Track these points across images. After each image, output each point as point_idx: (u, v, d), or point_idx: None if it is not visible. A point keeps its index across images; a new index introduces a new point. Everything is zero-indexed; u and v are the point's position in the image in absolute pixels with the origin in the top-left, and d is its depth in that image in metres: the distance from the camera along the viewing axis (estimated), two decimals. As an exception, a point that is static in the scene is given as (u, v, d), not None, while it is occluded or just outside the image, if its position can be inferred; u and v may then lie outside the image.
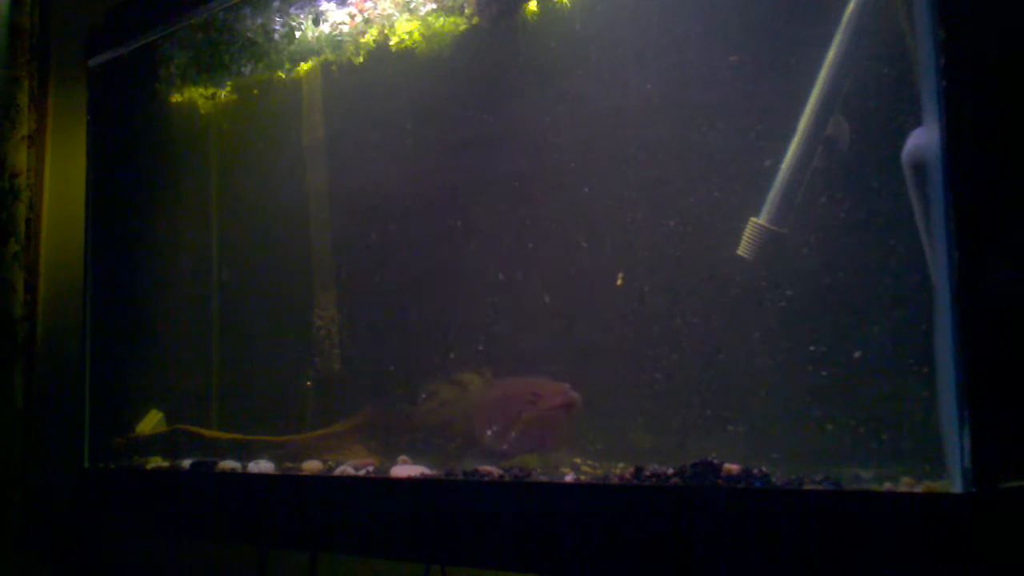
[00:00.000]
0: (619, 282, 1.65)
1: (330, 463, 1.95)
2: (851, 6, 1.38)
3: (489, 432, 1.64)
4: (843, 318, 1.42)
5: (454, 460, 1.65)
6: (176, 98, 2.55)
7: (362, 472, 1.79)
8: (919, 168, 1.22)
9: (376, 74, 2.13)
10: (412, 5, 2.03)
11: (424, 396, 1.87)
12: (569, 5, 1.80)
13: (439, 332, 1.98)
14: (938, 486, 1.13)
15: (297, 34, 2.25)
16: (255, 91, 2.41)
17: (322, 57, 2.23)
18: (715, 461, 1.30)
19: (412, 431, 1.87)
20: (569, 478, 1.51)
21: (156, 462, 2.26)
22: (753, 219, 1.48)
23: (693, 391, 1.57)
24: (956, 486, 1.09)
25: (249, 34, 2.30)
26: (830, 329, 1.44)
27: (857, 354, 1.38)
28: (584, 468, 1.61)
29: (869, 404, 1.39)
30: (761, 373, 1.51)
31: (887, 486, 1.19)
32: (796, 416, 1.46)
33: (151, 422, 2.41)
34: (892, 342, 1.36)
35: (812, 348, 1.45)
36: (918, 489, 1.14)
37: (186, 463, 2.14)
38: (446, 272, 2.00)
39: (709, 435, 1.53)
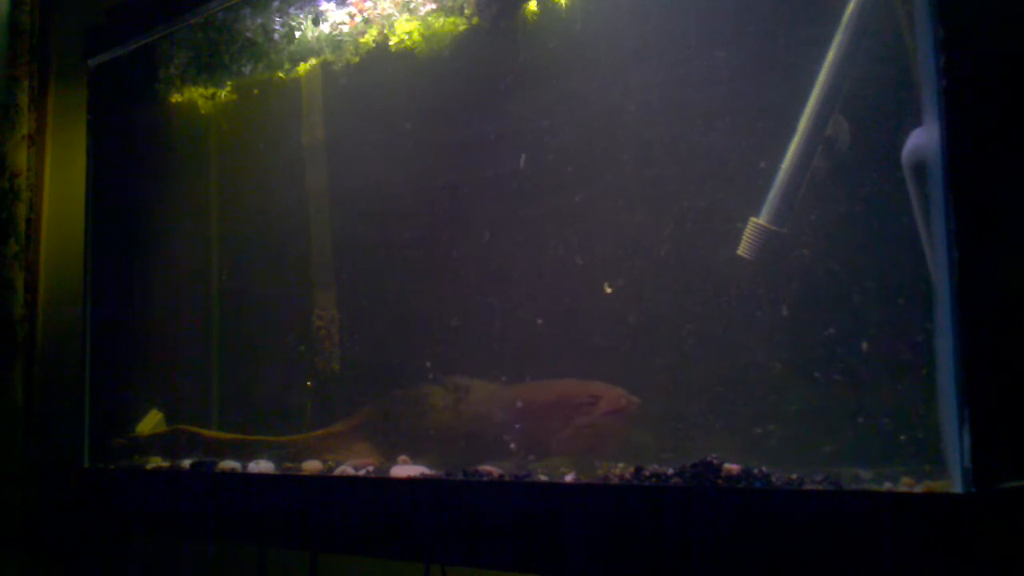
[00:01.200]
0: (608, 289, 1.65)
1: (330, 463, 1.95)
2: (851, 6, 1.38)
3: (541, 433, 1.62)
4: (842, 318, 1.42)
5: (509, 462, 1.63)
6: (176, 98, 2.55)
7: (362, 472, 1.79)
8: (919, 168, 1.22)
9: (376, 74, 2.13)
10: (412, 5, 2.03)
11: (447, 396, 1.85)
12: (564, 5, 1.80)
13: (439, 332, 1.98)
14: (938, 486, 1.13)
15: (297, 34, 2.25)
16: (255, 91, 2.41)
17: (322, 57, 2.23)
18: (715, 461, 1.30)
19: (438, 431, 1.84)
20: (569, 478, 1.51)
21: (156, 462, 2.26)
22: (753, 219, 1.48)
23: (694, 392, 1.57)
24: (956, 486, 1.09)
25: (249, 34, 2.30)
26: (829, 329, 1.44)
27: (865, 345, 1.38)
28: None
29: (869, 404, 1.39)
30: (760, 373, 1.51)
31: (887, 486, 1.19)
32: (796, 416, 1.46)
33: (151, 422, 2.41)
34: (892, 342, 1.36)
35: (811, 348, 1.45)
36: (918, 489, 1.14)
37: (186, 463, 2.14)
38: (445, 272, 2.00)
39: (711, 436, 1.53)
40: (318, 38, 2.22)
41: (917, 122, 1.24)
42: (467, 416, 1.78)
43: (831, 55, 1.40)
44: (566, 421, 1.58)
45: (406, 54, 2.02)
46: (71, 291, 2.80)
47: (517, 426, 1.66)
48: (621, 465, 1.56)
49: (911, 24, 1.25)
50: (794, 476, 1.26)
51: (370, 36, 2.12)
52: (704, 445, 1.48)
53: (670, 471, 1.34)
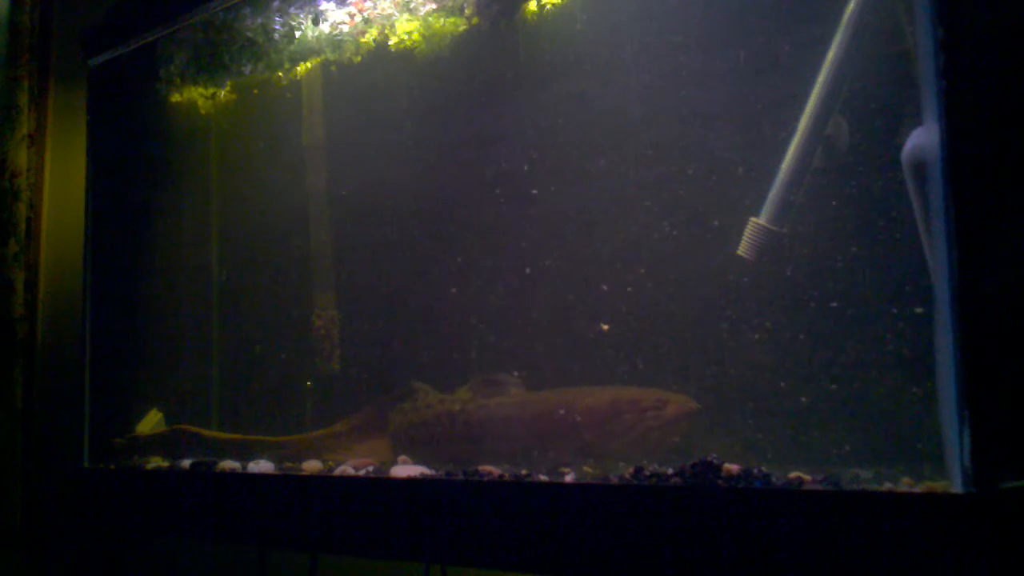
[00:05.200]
0: (605, 328, 1.66)
1: (330, 463, 1.95)
2: (851, 6, 1.38)
3: (604, 437, 1.62)
4: (843, 318, 1.42)
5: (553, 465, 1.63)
6: (176, 98, 2.55)
7: (362, 472, 1.79)
8: (919, 168, 1.22)
9: (376, 74, 2.13)
10: (412, 5, 2.03)
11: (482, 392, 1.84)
12: (555, 4, 1.80)
13: (439, 332, 1.98)
14: (938, 486, 1.13)
15: (297, 34, 2.25)
16: (255, 91, 2.41)
17: (322, 57, 2.23)
18: (715, 461, 1.30)
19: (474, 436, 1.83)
20: (569, 478, 1.51)
21: (156, 462, 2.26)
22: (753, 219, 1.48)
23: (697, 391, 1.58)
24: (956, 486, 1.09)
25: (249, 34, 2.30)
26: (830, 329, 1.44)
27: (865, 345, 1.37)
28: (584, 468, 1.61)
29: (869, 404, 1.39)
30: (761, 373, 1.51)
31: (887, 486, 1.19)
32: (797, 416, 1.46)
33: (151, 422, 2.41)
34: (892, 342, 1.36)
35: (810, 348, 1.45)
36: (918, 489, 1.14)
37: (186, 463, 2.14)
38: (444, 272, 2.00)
39: (713, 436, 1.53)
40: (318, 38, 2.22)
41: (917, 122, 1.24)
42: (527, 421, 1.77)
43: (831, 55, 1.40)
44: (632, 425, 1.59)
45: (406, 54, 2.02)
46: (71, 291, 2.80)
47: (580, 431, 1.66)
48: (621, 464, 1.56)
49: (911, 24, 1.25)
50: (794, 476, 1.26)
51: (370, 36, 2.12)
52: (707, 445, 1.48)
53: (670, 471, 1.34)
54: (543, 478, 1.53)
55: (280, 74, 2.33)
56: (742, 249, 1.50)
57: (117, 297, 2.53)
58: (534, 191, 1.79)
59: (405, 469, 1.72)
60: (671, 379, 1.61)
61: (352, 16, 2.15)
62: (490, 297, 1.90)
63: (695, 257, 1.62)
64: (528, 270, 1.84)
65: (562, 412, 1.68)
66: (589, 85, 1.76)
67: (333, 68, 2.21)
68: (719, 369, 1.57)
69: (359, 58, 2.15)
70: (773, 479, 1.26)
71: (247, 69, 2.35)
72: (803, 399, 1.45)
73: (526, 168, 1.85)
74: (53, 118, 3.07)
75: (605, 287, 1.72)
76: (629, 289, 1.69)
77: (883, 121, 1.38)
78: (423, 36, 2.00)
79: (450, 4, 1.97)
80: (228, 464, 2.03)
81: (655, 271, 1.66)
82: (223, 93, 2.48)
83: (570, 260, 1.79)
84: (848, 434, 1.40)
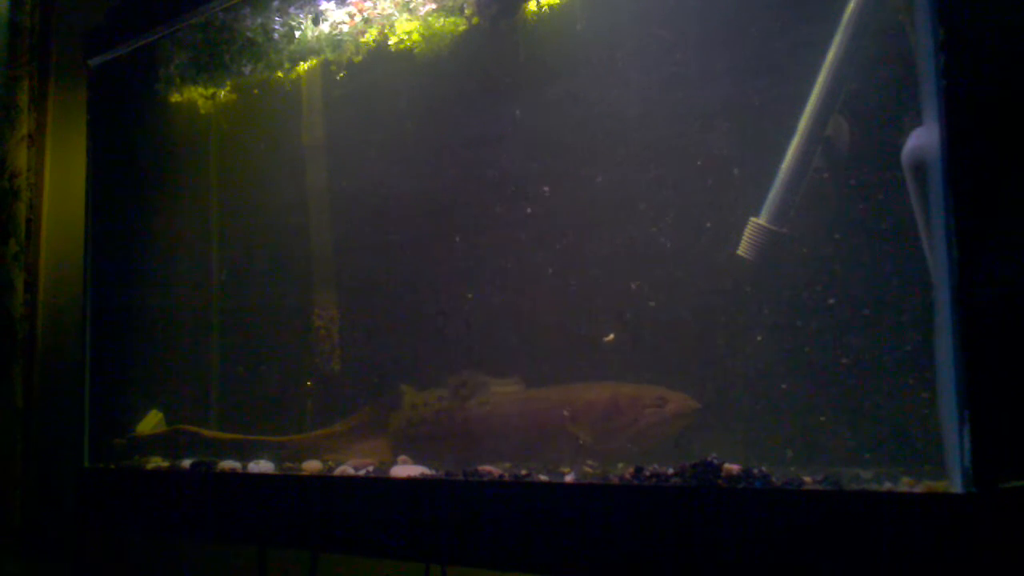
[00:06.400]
0: (609, 338, 1.66)
1: (330, 463, 1.95)
2: (851, 6, 1.38)
3: (606, 433, 1.63)
4: (843, 318, 1.42)
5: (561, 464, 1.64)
6: (176, 98, 2.55)
7: (362, 472, 1.79)
8: (919, 168, 1.22)
9: (376, 74, 2.13)
10: (412, 5, 2.03)
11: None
12: (555, 4, 1.80)
13: (439, 332, 1.98)
14: (938, 486, 1.13)
15: (297, 34, 2.25)
16: (255, 91, 2.41)
17: (322, 57, 2.23)
18: (715, 461, 1.30)
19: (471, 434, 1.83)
20: (569, 478, 1.51)
21: (156, 462, 2.26)
22: (753, 219, 1.48)
23: (698, 391, 1.58)
24: (956, 486, 1.09)
25: (249, 34, 2.30)
26: (830, 329, 1.44)
27: (865, 345, 1.37)
28: (584, 468, 1.61)
29: (869, 404, 1.39)
30: (761, 373, 1.51)
31: (887, 486, 1.19)
32: (797, 416, 1.46)
33: (151, 422, 2.41)
34: (892, 342, 1.36)
35: (811, 349, 1.45)
36: (918, 489, 1.14)
37: (186, 463, 2.14)
38: (444, 271, 2.00)
39: (713, 436, 1.53)
40: (318, 38, 2.22)
41: (917, 122, 1.24)
42: (527, 418, 1.77)
43: (831, 55, 1.40)
44: (632, 421, 1.59)
45: (406, 54, 2.02)
46: (71, 291, 2.80)
47: (580, 428, 1.66)
48: (621, 465, 1.56)
49: (912, 23, 1.25)
50: (794, 476, 1.26)
51: (370, 36, 2.12)
52: (705, 445, 1.48)
53: (670, 471, 1.34)
54: (543, 478, 1.53)
55: (280, 74, 2.33)
56: (742, 249, 1.50)
57: (117, 297, 2.53)
58: (545, 188, 1.78)
59: (405, 469, 1.72)
60: (672, 379, 1.61)
61: (352, 16, 2.15)
62: (490, 296, 1.90)
63: (696, 257, 1.62)
64: (527, 270, 1.84)
65: (562, 409, 1.68)
66: (589, 85, 1.76)
67: (333, 68, 2.21)
68: (720, 369, 1.57)
69: (359, 58, 2.15)
70: (773, 479, 1.26)
71: (247, 69, 2.35)
72: (804, 399, 1.45)
73: (525, 168, 1.85)
74: (53, 118, 3.07)
75: (606, 286, 1.72)
76: (635, 286, 1.69)
77: (883, 121, 1.38)
78: (423, 36, 2.00)
79: (450, 4, 1.97)
80: (228, 464, 2.03)
81: (656, 271, 1.66)
82: (223, 93, 2.48)
83: (570, 259, 1.79)
84: (848, 434, 1.40)
